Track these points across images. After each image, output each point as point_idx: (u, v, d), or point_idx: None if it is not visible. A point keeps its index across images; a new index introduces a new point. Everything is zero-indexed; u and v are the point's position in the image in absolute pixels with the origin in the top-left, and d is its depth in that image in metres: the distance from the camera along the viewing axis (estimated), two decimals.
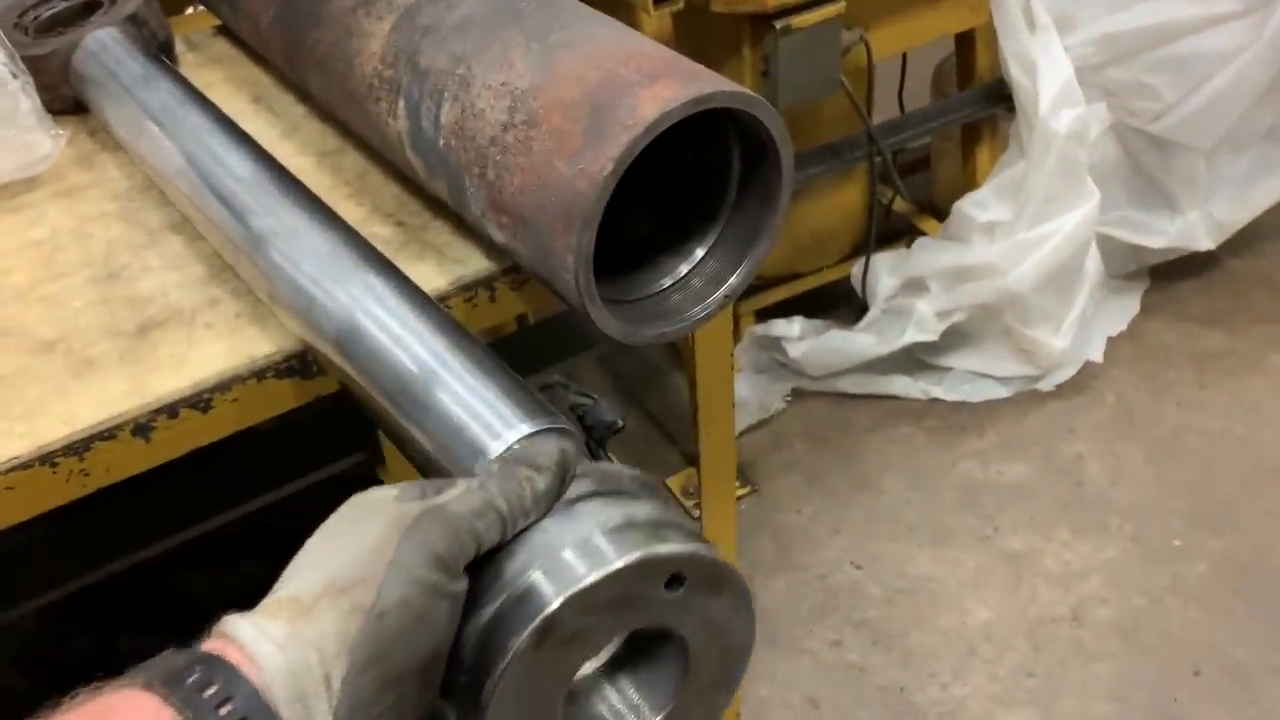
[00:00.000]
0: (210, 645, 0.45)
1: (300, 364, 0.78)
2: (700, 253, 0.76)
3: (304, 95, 1.04)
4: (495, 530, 0.49)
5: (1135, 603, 1.90)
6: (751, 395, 2.27)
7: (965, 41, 2.13)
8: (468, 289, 0.82)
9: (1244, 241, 2.47)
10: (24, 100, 0.93)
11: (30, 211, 0.93)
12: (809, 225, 2.27)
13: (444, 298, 0.81)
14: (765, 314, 2.31)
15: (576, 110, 0.66)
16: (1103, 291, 2.39)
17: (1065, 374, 2.31)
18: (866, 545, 2.04)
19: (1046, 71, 1.98)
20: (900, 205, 2.44)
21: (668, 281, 0.76)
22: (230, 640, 0.45)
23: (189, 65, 1.11)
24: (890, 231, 2.45)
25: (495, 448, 0.59)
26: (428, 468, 0.62)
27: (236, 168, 0.80)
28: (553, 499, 0.51)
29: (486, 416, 0.60)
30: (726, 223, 0.76)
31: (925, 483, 2.15)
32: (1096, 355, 2.34)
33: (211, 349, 0.78)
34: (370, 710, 0.44)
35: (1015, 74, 2.01)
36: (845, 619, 1.92)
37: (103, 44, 0.99)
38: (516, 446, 0.59)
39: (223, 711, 0.42)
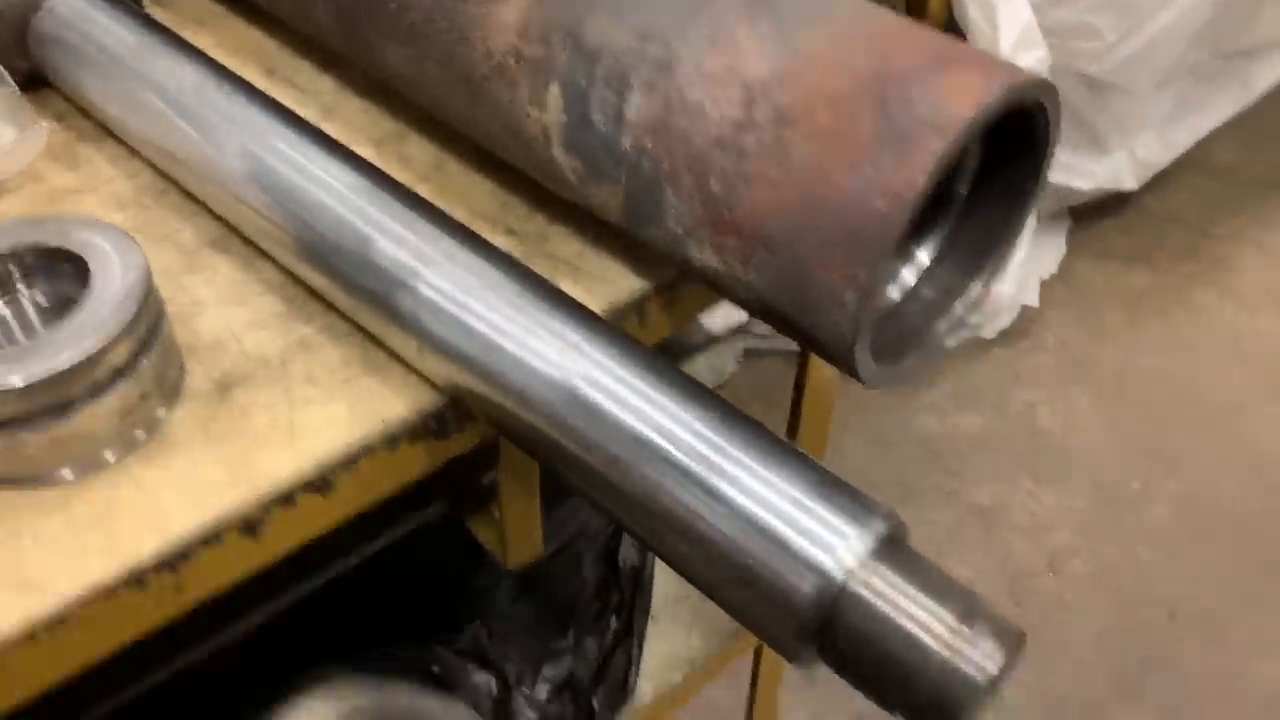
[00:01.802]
0: None
1: (438, 423, 0.62)
2: (926, 258, 0.64)
3: (327, 63, 0.85)
4: None
5: (1107, 550, 1.92)
6: (703, 359, 2.16)
7: None
8: (616, 314, 0.67)
9: (1156, 178, 2.51)
10: None
11: None
12: None
13: None
14: None
15: (854, 106, 0.52)
16: (1032, 234, 2.39)
17: (1005, 320, 2.30)
18: None
19: (1006, 13, 1.91)
20: None
21: (896, 294, 0.63)
22: None
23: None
24: None
25: (832, 568, 0.46)
26: (724, 587, 0.48)
27: (333, 177, 0.62)
28: None
29: (803, 522, 0.47)
30: (957, 224, 0.64)
31: (885, 439, 2.10)
32: (1032, 299, 2.34)
33: (326, 412, 0.61)
34: None
35: (973, 15, 1.94)
36: None
37: (72, 3, 0.77)
38: (860, 586, 0.46)
39: None
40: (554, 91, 0.61)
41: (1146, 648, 1.78)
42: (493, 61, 0.64)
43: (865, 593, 0.45)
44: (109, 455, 0.56)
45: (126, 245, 0.58)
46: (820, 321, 0.55)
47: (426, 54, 0.68)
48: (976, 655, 0.43)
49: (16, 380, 0.52)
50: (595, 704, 1.06)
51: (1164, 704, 1.70)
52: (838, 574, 0.45)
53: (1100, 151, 2.34)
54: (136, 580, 0.54)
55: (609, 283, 0.68)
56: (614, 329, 0.56)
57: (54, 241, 0.58)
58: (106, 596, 0.53)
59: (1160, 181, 2.54)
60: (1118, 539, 1.93)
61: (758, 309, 0.59)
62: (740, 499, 0.48)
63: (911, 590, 0.45)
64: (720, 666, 1.20)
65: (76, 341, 0.53)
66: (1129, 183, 2.38)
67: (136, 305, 0.55)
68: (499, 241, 0.70)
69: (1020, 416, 2.14)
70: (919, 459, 2.07)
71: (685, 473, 0.49)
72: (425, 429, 0.61)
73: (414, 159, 0.77)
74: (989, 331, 2.29)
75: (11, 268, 0.58)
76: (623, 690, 1.10)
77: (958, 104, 0.50)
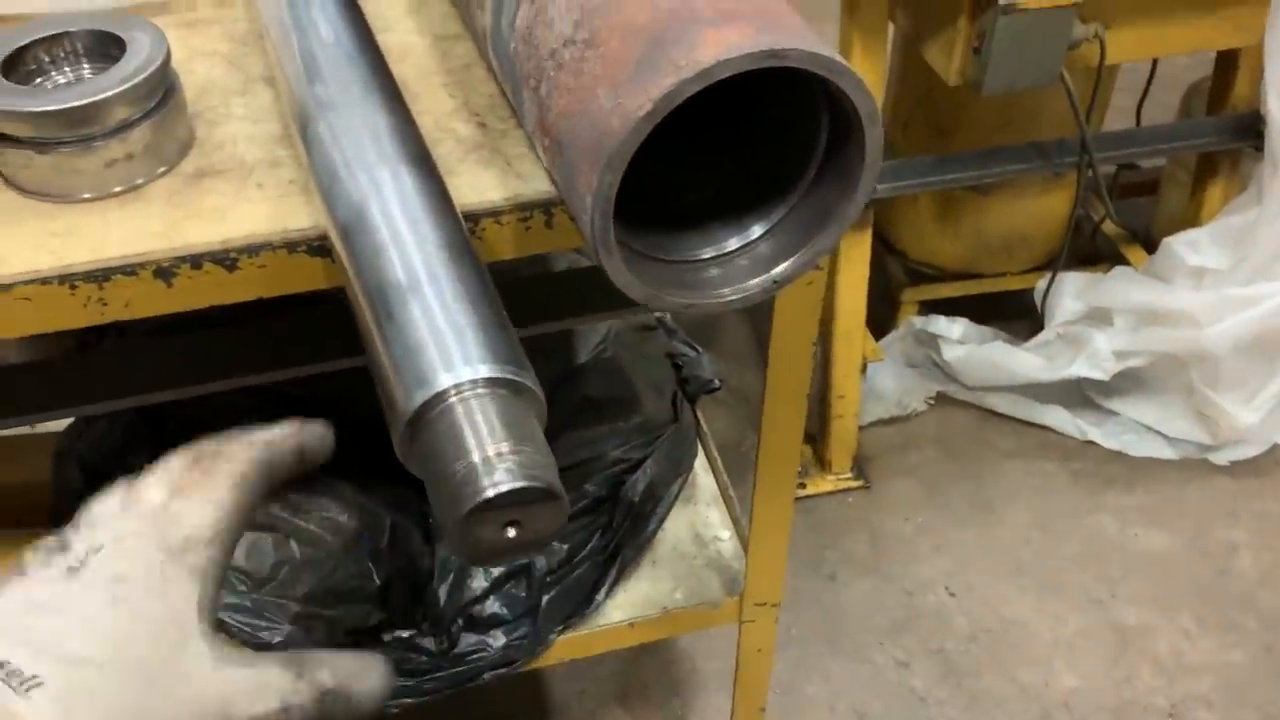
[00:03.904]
0: None
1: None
2: (757, 231, 0.68)
3: None
4: None
5: (1246, 717, 1.71)
6: (893, 389, 2.14)
7: (1226, 61, 1.90)
8: (523, 209, 0.77)
9: None
10: None
11: None
12: (1000, 225, 2.10)
13: (496, 213, 0.76)
14: (930, 308, 2.17)
15: (637, 38, 0.59)
16: None
17: (1246, 452, 2.08)
18: (967, 573, 1.91)
19: None
20: (1110, 228, 2.23)
21: (709, 253, 0.68)
22: None
23: None
24: (1092, 253, 2.25)
25: (442, 380, 0.54)
26: (381, 386, 0.58)
27: (321, 27, 0.77)
28: None
29: (449, 344, 0.56)
30: (796, 204, 0.68)
31: (1052, 526, 1.99)
32: None
33: (254, 210, 0.76)
34: None
35: (1274, 108, 1.77)
36: (921, 643, 1.81)
37: None
38: (457, 399, 0.54)
39: None
40: None
41: None
42: None
43: (459, 407, 0.53)
44: (86, 194, 0.75)
45: (159, 41, 0.76)
46: (580, 225, 0.62)
47: None
48: (493, 475, 0.50)
49: (31, 106, 0.71)
50: (544, 600, 1.15)
51: None
52: (442, 385, 0.54)
53: None
54: (69, 282, 0.72)
55: (526, 182, 0.78)
56: (441, 186, 0.66)
57: (111, 29, 0.77)
58: (43, 283, 0.72)
59: None
60: (1265, 710, 1.72)
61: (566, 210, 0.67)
62: (416, 313, 0.57)
63: (490, 418, 0.53)
64: (693, 625, 1.25)
65: (75, 98, 0.71)
66: None
67: (135, 83, 0.73)
68: (467, 130, 0.83)
69: (1214, 553, 1.94)
70: (1079, 556, 1.94)
71: (396, 282, 0.59)
72: (322, 247, 0.75)
73: (454, 57, 0.90)
74: (1222, 458, 2.08)
75: (78, 45, 0.78)
76: (586, 603, 1.19)
77: (704, 52, 0.56)
